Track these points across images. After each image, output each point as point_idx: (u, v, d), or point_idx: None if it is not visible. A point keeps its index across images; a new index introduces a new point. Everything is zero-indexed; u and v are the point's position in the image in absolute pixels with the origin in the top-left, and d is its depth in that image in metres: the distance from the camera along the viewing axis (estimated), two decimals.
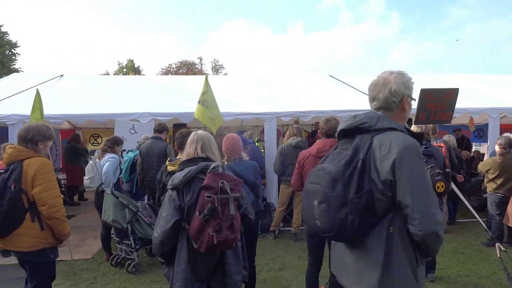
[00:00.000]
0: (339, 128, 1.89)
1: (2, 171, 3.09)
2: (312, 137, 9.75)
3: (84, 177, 5.07)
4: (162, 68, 38.23)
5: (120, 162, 5.35)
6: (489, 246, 5.24)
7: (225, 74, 39.54)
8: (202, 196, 2.26)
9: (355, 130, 1.76)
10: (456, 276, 4.37)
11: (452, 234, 6.04)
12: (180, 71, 37.25)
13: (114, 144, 5.19)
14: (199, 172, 2.38)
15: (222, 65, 44.01)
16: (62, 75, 9.72)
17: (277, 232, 6.08)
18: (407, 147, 1.61)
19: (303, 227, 6.12)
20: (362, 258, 1.68)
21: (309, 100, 7.77)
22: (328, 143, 3.32)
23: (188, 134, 3.35)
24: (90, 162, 5.02)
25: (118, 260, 4.87)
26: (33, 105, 5.36)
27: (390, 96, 1.78)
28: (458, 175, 6.46)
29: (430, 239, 1.57)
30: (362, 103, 7.40)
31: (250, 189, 3.54)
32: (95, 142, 12.35)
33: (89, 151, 11.53)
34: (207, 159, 2.49)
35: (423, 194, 1.58)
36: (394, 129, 1.70)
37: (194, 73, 36.24)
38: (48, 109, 6.39)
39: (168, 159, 3.52)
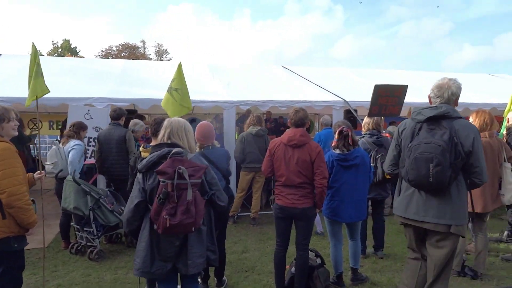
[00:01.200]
0: (430, 114, 2.68)
1: None
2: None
3: (45, 163, 4.85)
4: (101, 50, 36.35)
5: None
6: None
7: (170, 59, 38.51)
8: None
9: (439, 116, 2.66)
10: (401, 253, 4.86)
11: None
12: (122, 54, 35.68)
13: (80, 129, 5.02)
14: (161, 157, 2.50)
15: (166, 50, 42.83)
16: (0, 54, 9.00)
17: (235, 217, 6.27)
18: (477, 130, 2.69)
19: (261, 212, 6.39)
20: (443, 200, 2.66)
21: (265, 89, 7.98)
22: (298, 132, 3.53)
23: (162, 121, 3.41)
24: (54, 147, 4.82)
25: (79, 248, 4.77)
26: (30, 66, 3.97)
27: (451, 96, 2.75)
28: None
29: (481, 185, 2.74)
30: (313, 93, 7.77)
31: (223, 176, 3.67)
32: (34, 127, 11.61)
33: (31, 138, 10.85)
34: (174, 145, 2.58)
35: (484, 160, 2.65)
36: (461, 117, 2.70)
37: (137, 57, 34.90)
38: None
39: (142, 145, 3.54)
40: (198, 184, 2.45)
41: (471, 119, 4.19)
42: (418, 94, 7.47)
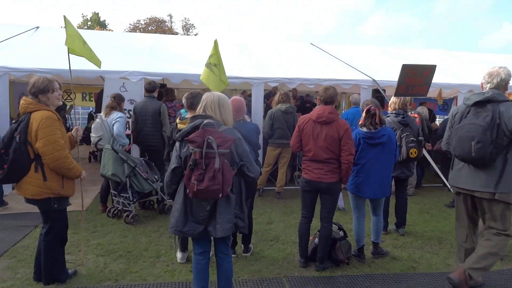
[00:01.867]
0: (476, 99, 3.12)
1: (14, 121, 3.22)
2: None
3: (91, 135, 5.17)
4: (130, 24, 36.65)
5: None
6: (451, 207, 5.91)
7: (196, 34, 38.48)
8: None
9: (486, 101, 3.08)
10: (423, 232, 4.98)
11: (419, 196, 6.71)
12: (149, 28, 35.92)
13: (120, 101, 5.29)
14: (194, 128, 2.67)
15: (193, 24, 42.73)
16: (37, 27, 9.34)
17: (261, 191, 6.49)
18: None
19: (286, 187, 6.58)
20: (490, 172, 3.08)
21: (293, 67, 8.02)
22: (327, 109, 3.64)
23: (197, 95, 3.59)
24: (98, 120, 5.11)
25: (115, 212, 5.12)
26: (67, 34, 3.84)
27: (500, 82, 3.15)
28: (427, 143, 7.08)
29: None
30: (341, 72, 7.75)
31: (252, 149, 3.85)
32: (68, 98, 12.10)
33: (66, 105, 11.34)
34: (208, 117, 2.74)
35: None
36: (508, 101, 3.06)
37: (164, 31, 35.07)
38: (27, 63, 6.30)
39: (178, 117, 3.74)
40: (226, 154, 2.60)
41: None
42: (448, 75, 7.37)
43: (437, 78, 7.48)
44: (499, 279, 3.71)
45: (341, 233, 4.07)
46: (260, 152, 6.87)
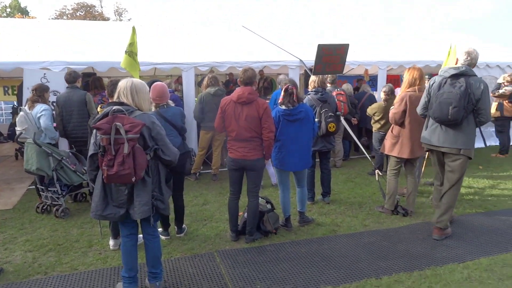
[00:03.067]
0: (453, 72, 3.80)
1: None
2: (227, 86, 10.21)
3: (16, 128, 4.92)
4: (56, 10, 34.24)
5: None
6: (372, 175, 6.44)
7: (129, 19, 36.90)
8: None
9: (460, 74, 3.76)
10: (346, 199, 5.42)
11: (346, 167, 7.22)
12: (77, 14, 33.86)
13: (43, 92, 5.03)
14: (105, 115, 2.76)
15: (125, 9, 40.87)
16: None
17: (198, 174, 6.60)
18: (486, 84, 3.75)
19: (222, 169, 6.75)
20: (457, 133, 3.82)
21: (224, 51, 8.11)
22: (247, 90, 3.82)
23: (116, 83, 3.60)
24: (21, 113, 4.86)
25: (44, 207, 4.98)
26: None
27: (473, 60, 3.85)
28: (352, 118, 7.59)
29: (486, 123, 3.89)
30: (271, 54, 7.96)
31: (178, 133, 3.95)
32: None
33: None
34: (121, 103, 2.81)
35: (488, 103, 3.80)
36: (475, 75, 3.78)
37: (94, 16, 33.28)
38: None
39: (100, 105, 3.73)
40: (135, 139, 2.67)
41: (405, 74, 4.63)
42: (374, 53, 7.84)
43: (358, 57, 8.04)
44: (407, 232, 4.21)
45: (269, 206, 4.34)
46: (195, 136, 6.99)
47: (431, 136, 4.01)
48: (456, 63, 4.02)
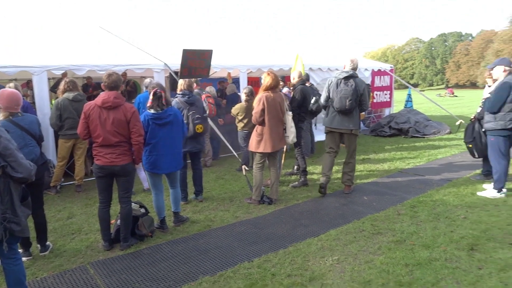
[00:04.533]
0: (345, 75, 5.27)
1: None
2: (85, 90, 9.52)
3: None
4: None
5: None
6: (240, 171, 6.93)
7: None
8: None
9: (350, 76, 5.24)
10: (218, 195, 5.73)
11: (216, 166, 7.58)
12: None
13: None
14: None
15: None
16: None
17: (58, 187, 6.07)
18: (366, 84, 5.53)
19: (86, 178, 6.35)
20: (349, 118, 5.32)
21: (81, 52, 7.58)
22: (112, 94, 3.75)
23: None
24: None
25: None
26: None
27: (356, 66, 5.38)
28: (219, 119, 7.98)
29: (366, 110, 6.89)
30: (134, 56, 7.78)
31: (37, 143, 3.65)
32: None
33: None
34: None
35: (367, 97, 5.44)
36: (358, 77, 5.35)
37: None
38: None
39: None
40: None
41: (263, 77, 5.15)
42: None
43: (222, 61, 8.49)
44: (272, 218, 4.72)
45: (143, 210, 4.33)
46: (52, 145, 6.40)
47: (331, 122, 5.43)
48: (344, 68, 5.44)
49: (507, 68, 4.98)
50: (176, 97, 5.14)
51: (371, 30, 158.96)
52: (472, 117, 5.91)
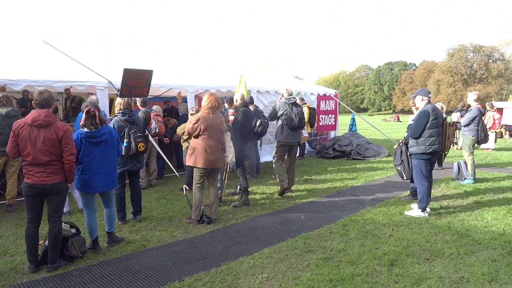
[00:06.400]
0: (293, 101, 6.71)
1: None
2: (22, 105, 9.10)
3: None
4: None
5: None
6: (181, 190, 6.92)
7: None
8: None
9: (295, 102, 6.73)
10: (158, 215, 5.69)
11: (160, 185, 7.53)
12: None
13: None
14: None
15: None
16: None
17: None
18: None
19: (19, 198, 6.07)
20: (298, 133, 6.83)
21: (19, 67, 7.34)
22: (43, 112, 3.69)
23: None
24: None
25: None
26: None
27: (291, 92, 6.87)
28: (164, 138, 7.98)
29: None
30: (77, 72, 7.64)
31: None
32: None
33: None
34: None
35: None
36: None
37: None
38: None
39: None
40: None
41: (204, 99, 5.28)
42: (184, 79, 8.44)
43: (169, 81, 8.56)
44: (209, 237, 4.77)
45: (73, 230, 4.23)
46: None
47: (286, 138, 6.58)
48: (282, 96, 6.85)
49: (425, 97, 5.49)
50: (116, 116, 5.13)
51: (324, 54, 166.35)
52: (400, 142, 6.39)
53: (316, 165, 10.02)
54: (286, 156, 6.87)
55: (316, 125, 11.66)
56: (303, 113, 6.76)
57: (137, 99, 7.13)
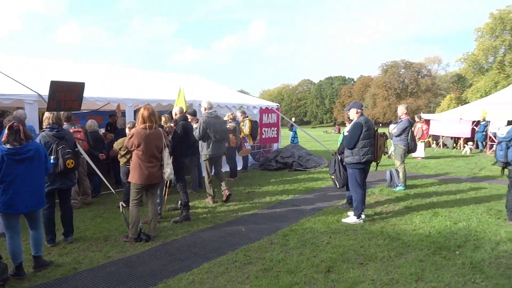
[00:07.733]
0: (215, 115, 7.03)
1: None
2: None
3: None
4: None
5: None
6: (119, 208, 6.61)
7: None
8: None
9: (216, 115, 7.15)
10: (92, 235, 5.39)
11: (96, 204, 7.15)
12: None
13: None
14: None
15: None
16: None
17: None
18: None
19: None
20: (223, 144, 7.42)
21: None
22: None
23: None
24: None
25: None
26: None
27: (212, 105, 7.20)
28: (100, 154, 7.63)
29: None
30: (3, 85, 7.12)
31: None
32: None
33: None
34: None
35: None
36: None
37: None
38: None
39: None
40: None
41: (139, 112, 5.14)
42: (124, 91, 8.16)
43: (107, 93, 8.25)
44: (147, 256, 4.60)
45: None
46: None
47: (213, 150, 6.87)
48: (205, 110, 6.96)
49: (359, 110, 5.81)
50: (43, 131, 4.83)
51: (268, 69, 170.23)
52: (334, 152, 6.68)
53: (259, 178, 10.13)
54: (213, 168, 7.25)
55: (258, 138, 11.81)
56: (226, 123, 7.66)
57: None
